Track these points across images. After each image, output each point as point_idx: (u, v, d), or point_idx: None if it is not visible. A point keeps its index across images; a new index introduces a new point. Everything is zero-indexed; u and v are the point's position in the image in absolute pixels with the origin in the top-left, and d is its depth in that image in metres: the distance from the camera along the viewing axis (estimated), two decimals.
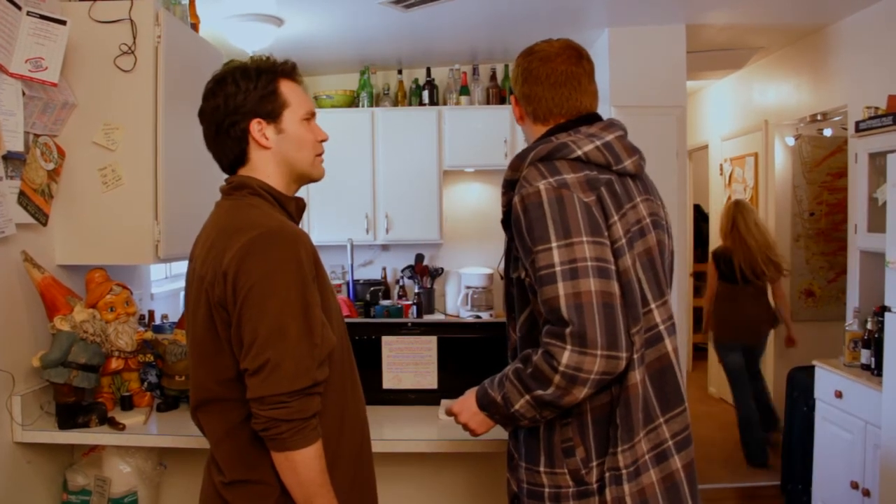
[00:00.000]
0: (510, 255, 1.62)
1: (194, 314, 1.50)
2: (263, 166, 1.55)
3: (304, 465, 1.39)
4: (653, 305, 1.53)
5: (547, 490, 1.52)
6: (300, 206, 1.62)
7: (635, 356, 1.45)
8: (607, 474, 1.47)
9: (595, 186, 1.48)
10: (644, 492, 1.48)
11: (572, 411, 1.50)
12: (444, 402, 2.36)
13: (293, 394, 1.36)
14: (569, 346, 1.38)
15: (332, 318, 1.50)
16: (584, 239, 1.42)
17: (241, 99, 1.51)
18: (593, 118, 1.63)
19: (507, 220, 1.58)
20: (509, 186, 1.57)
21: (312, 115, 1.61)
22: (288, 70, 1.58)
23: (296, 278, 1.39)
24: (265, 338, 1.36)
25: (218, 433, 1.51)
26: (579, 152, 1.51)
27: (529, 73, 1.64)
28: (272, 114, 1.53)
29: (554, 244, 1.42)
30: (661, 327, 1.54)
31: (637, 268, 1.50)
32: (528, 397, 1.45)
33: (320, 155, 1.63)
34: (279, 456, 1.40)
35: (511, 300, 1.63)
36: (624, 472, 1.46)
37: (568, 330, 1.38)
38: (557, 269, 1.40)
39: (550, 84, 1.61)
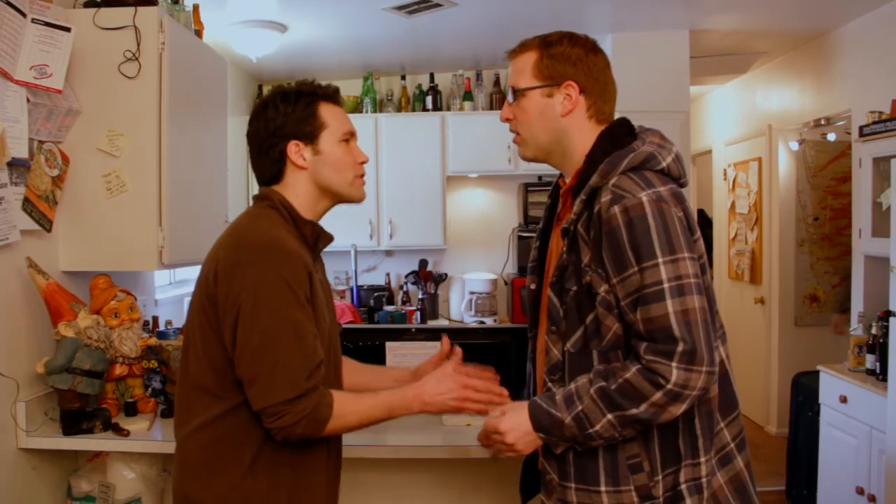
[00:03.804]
0: (567, 266, 1.48)
1: (192, 302, 1.55)
2: (295, 185, 1.59)
3: (339, 426, 1.48)
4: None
5: None
6: (316, 231, 1.63)
7: None
8: (685, 485, 1.43)
9: (681, 200, 1.44)
10: (716, 496, 1.47)
11: None
12: None
13: (288, 402, 1.40)
14: (676, 364, 1.34)
15: (322, 336, 1.52)
16: (686, 255, 1.38)
17: (280, 121, 1.56)
18: (629, 122, 1.57)
19: (570, 228, 1.48)
20: (591, 193, 1.46)
21: (352, 135, 1.64)
22: (329, 93, 1.62)
23: (287, 291, 1.43)
24: (256, 348, 1.41)
25: (193, 422, 1.51)
26: (664, 164, 1.47)
27: (600, 70, 1.56)
28: (310, 135, 1.57)
29: (660, 260, 1.36)
30: (718, 334, 1.51)
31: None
32: (611, 416, 1.38)
33: (362, 176, 1.67)
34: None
35: (555, 312, 1.50)
36: (703, 480, 1.44)
37: (680, 348, 1.34)
38: (665, 286, 1.35)
39: (613, 87, 1.58)
